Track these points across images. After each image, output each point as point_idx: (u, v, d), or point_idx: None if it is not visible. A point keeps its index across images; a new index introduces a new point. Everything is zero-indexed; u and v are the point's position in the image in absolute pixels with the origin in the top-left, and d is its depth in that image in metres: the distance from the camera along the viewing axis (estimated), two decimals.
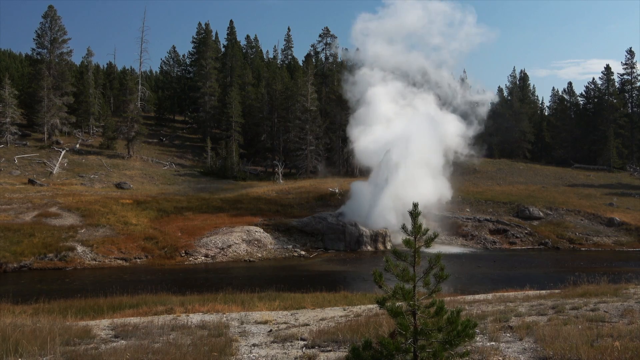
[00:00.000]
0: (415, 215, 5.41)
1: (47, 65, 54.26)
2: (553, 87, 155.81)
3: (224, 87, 65.38)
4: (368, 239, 34.17)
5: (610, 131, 61.49)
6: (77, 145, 54.61)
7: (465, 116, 43.92)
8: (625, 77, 67.90)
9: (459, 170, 41.90)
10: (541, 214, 39.78)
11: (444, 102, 45.00)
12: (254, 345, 8.41)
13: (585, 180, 53.69)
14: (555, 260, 31.55)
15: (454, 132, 41.34)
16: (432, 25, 48.57)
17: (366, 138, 41.00)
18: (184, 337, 8.81)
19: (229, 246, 30.82)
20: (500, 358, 6.85)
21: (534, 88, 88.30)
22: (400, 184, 35.80)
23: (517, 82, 77.47)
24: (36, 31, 55.20)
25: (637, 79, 67.31)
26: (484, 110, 46.16)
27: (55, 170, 46.75)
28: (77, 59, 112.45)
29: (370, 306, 12.72)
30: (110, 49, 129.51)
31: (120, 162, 52.66)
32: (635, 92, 67.74)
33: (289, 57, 77.78)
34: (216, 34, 73.43)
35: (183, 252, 29.67)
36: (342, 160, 58.87)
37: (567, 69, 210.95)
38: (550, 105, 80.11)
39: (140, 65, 67.28)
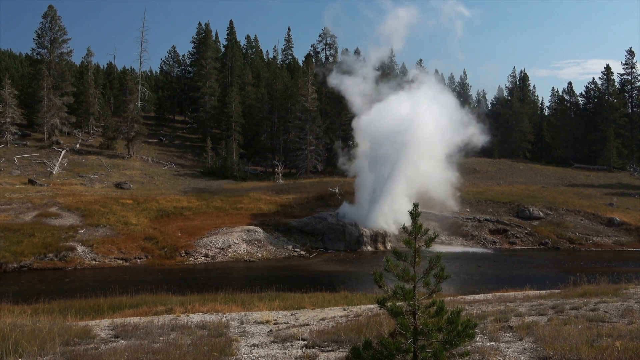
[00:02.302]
0: (416, 215, 5.41)
1: (47, 65, 54.24)
2: (553, 87, 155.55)
3: (224, 87, 65.35)
4: (368, 239, 34.16)
5: (610, 131, 61.46)
6: (77, 145, 54.61)
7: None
8: (625, 77, 67.87)
9: (459, 170, 41.83)
10: (541, 214, 39.77)
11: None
12: (254, 345, 8.41)
13: (585, 180, 53.67)
14: (555, 260, 31.54)
15: (460, 127, 40.85)
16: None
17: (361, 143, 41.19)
18: (184, 337, 8.80)
19: (229, 246, 30.82)
20: (500, 358, 6.85)
21: (534, 88, 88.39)
22: (402, 182, 35.71)
23: (517, 82, 77.46)
24: (36, 31, 55.24)
25: (637, 79, 67.27)
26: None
27: (55, 170, 46.74)
28: (77, 59, 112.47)
29: (371, 306, 12.72)
30: (110, 49, 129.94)
31: (120, 162, 52.65)
32: (635, 92, 67.67)
33: (289, 57, 77.72)
34: (216, 34, 73.44)
35: (183, 252, 29.67)
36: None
37: (567, 69, 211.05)
38: (550, 105, 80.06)
39: (140, 65, 67.31)
